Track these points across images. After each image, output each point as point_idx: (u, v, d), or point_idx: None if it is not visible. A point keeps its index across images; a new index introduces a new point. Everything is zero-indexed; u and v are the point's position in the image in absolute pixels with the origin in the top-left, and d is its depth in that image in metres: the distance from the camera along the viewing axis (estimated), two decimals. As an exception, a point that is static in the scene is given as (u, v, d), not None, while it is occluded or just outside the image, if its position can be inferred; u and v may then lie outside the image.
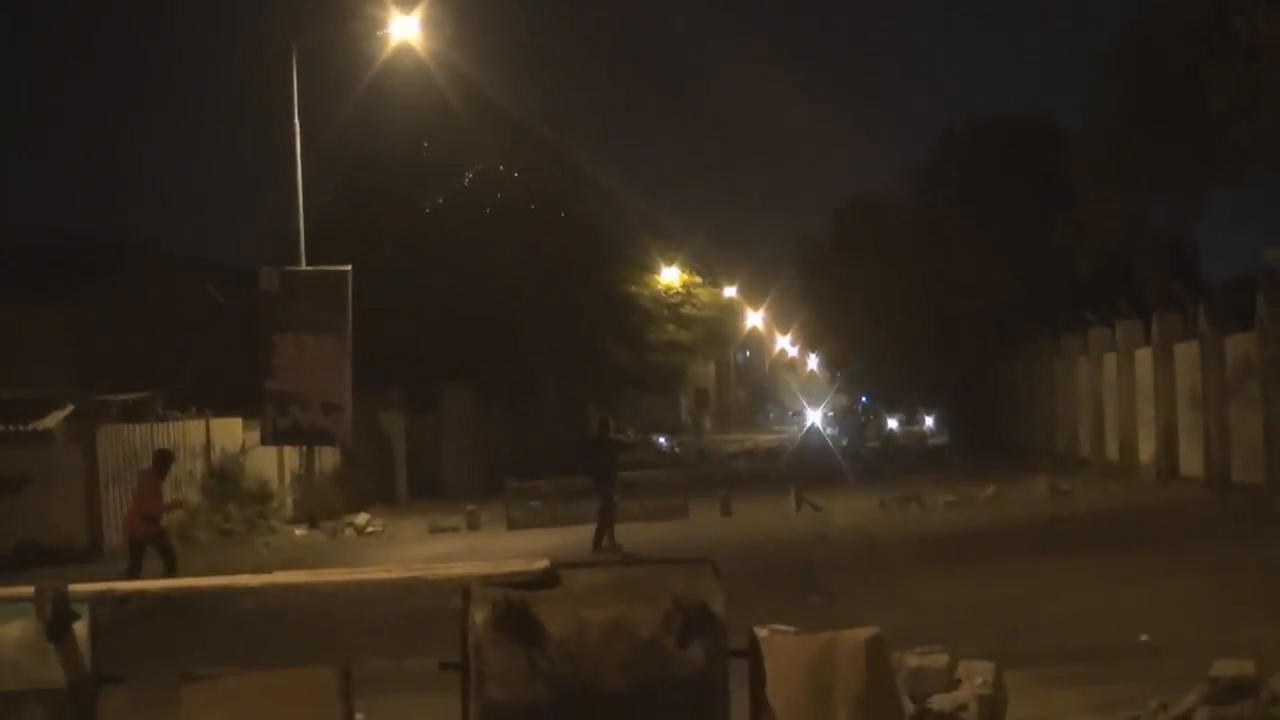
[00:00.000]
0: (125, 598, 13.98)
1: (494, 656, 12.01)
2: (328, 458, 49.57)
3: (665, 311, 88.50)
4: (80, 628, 12.47)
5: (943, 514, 37.96)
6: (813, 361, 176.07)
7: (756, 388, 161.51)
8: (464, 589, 12.87)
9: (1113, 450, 48.83)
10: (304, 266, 43.99)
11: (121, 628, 13.08)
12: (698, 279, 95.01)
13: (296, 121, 44.90)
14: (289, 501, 46.85)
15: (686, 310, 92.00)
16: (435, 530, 42.71)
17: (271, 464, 46.76)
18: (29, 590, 12.64)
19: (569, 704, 11.92)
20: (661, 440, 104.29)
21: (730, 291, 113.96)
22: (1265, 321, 32.01)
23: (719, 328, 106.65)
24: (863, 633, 12.30)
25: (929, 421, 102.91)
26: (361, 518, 46.06)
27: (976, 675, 13.30)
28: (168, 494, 33.32)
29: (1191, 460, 39.67)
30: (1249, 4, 28.06)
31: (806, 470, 62.75)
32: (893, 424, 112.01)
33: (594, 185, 77.80)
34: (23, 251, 56.84)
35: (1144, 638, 17.15)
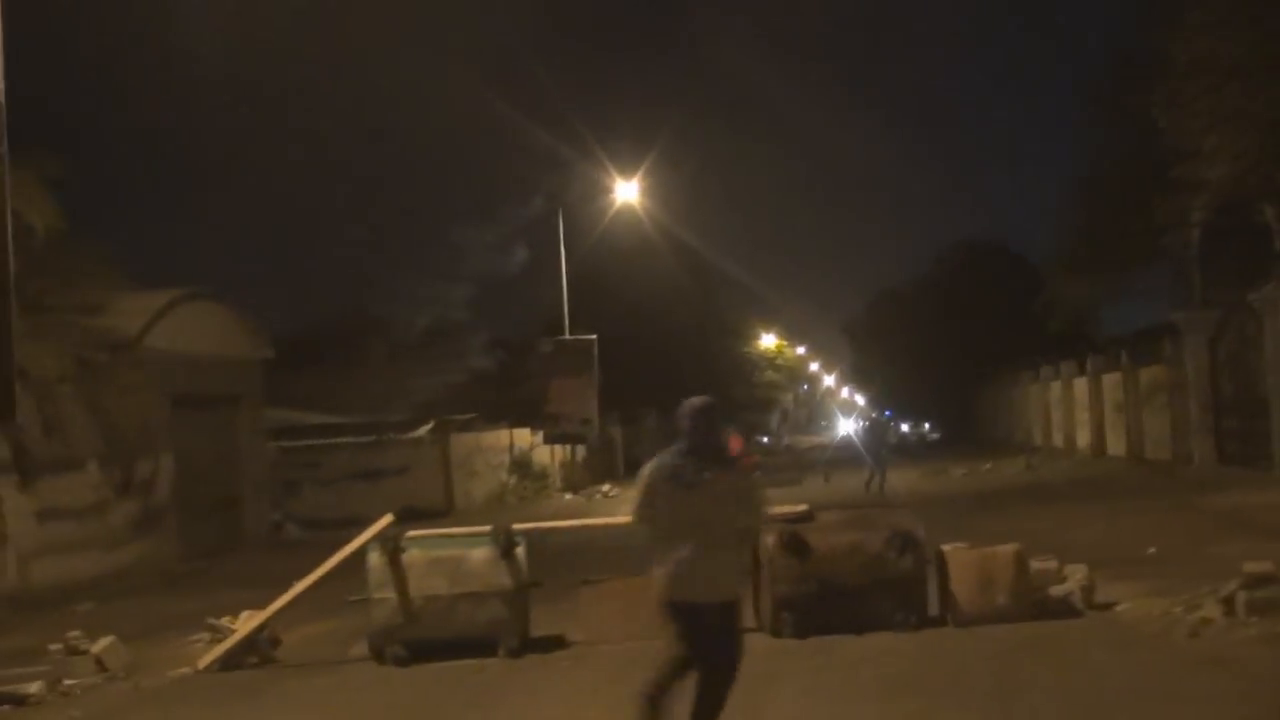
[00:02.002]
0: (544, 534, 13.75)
1: (781, 565, 12.44)
2: (579, 452, 49.51)
3: (765, 363, 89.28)
4: (520, 552, 12.18)
5: (962, 480, 37.06)
6: (846, 392, 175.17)
7: (812, 408, 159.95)
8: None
9: (1059, 440, 48.31)
10: (566, 337, 44.16)
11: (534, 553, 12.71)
12: (784, 342, 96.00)
13: (562, 248, 45.25)
14: (558, 478, 46.67)
15: (778, 362, 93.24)
16: (651, 494, 42.14)
17: (546, 456, 46.88)
18: (487, 528, 12.67)
19: (827, 593, 12.20)
20: (765, 440, 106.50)
21: (801, 350, 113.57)
22: (1170, 358, 31.42)
23: (794, 372, 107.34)
24: (1010, 547, 12.76)
25: (928, 426, 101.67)
26: (605, 486, 46.10)
27: (1076, 573, 13.11)
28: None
29: (1115, 445, 39.10)
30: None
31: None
32: (904, 428, 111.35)
33: (728, 277, 78.58)
34: (365, 330, 57.97)
35: (1151, 550, 16.46)
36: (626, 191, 48.33)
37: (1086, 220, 35.35)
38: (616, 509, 37.40)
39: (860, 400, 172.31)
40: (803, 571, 12.35)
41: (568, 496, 43.86)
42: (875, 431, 39.20)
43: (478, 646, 12.36)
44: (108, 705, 11.62)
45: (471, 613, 12.46)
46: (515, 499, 42.10)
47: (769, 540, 12.53)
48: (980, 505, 26.73)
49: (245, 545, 27.62)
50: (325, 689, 11.69)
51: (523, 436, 45.80)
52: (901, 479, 37.05)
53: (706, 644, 7.90)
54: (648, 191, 51.15)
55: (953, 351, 70.14)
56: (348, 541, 13.27)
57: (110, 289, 22.89)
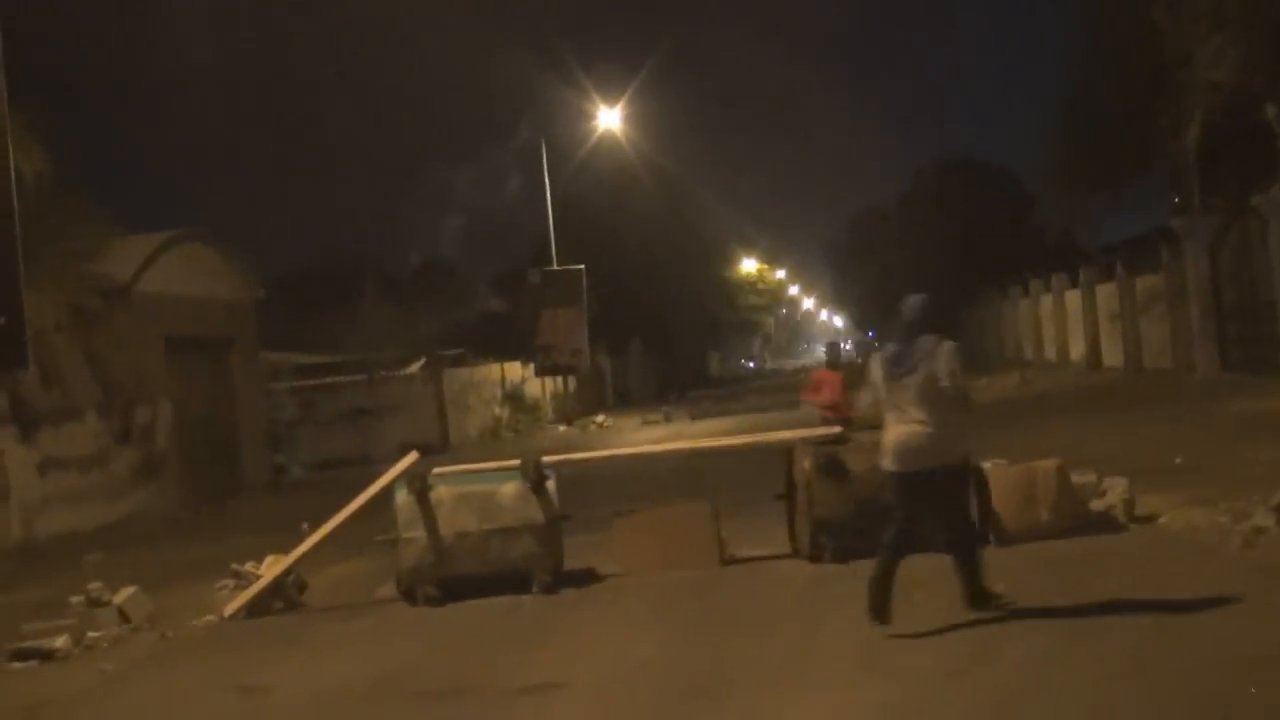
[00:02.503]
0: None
1: (819, 488, 12.17)
2: (561, 383, 49.25)
3: (747, 287, 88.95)
4: (550, 485, 11.85)
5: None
6: (824, 314, 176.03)
7: (791, 331, 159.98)
8: (788, 448, 12.46)
9: (1051, 353, 48.02)
10: (554, 267, 43.75)
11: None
12: (766, 265, 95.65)
13: (547, 180, 44.98)
14: (550, 411, 46.42)
15: (760, 286, 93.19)
16: (645, 423, 42.04)
17: (537, 388, 46.65)
18: (516, 462, 12.33)
19: (866, 515, 11.61)
20: (751, 364, 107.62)
21: (781, 273, 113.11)
22: (1169, 266, 31.09)
23: (775, 296, 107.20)
24: (1051, 462, 12.50)
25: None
26: (600, 417, 45.91)
27: (1117, 486, 12.75)
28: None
29: (1111, 356, 38.86)
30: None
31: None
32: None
33: (707, 203, 78.31)
34: (353, 270, 57.13)
35: (1177, 460, 16.10)
36: (609, 119, 48.18)
37: (1076, 130, 34.85)
38: (613, 439, 37.28)
39: (839, 322, 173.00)
40: (841, 494, 12.04)
41: (561, 428, 43.71)
42: (858, 351, 39.20)
43: (510, 583, 12.09)
44: (137, 657, 11.30)
45: (504, 549, 12.16)
46: (510, 433, 41.86)
47: (805, 464, 12.25)
48: (986, 421, 26.45)
49: (246, 489, 27.30)
50: (361, 633, 11.37)
51: (513, 370, 45.59)
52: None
53: (940, 507, 9.43)
54: (630, 119, 50.97)
55: (936, 268, 69.60)
56: (351, 482, 12.99)
57: (101, 235, 22.45)
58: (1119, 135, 32.28)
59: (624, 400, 57.51)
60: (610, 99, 48.00)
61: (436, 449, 36.13)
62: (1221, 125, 27.17)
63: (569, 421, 45.42)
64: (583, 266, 43.50)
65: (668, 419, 42.06)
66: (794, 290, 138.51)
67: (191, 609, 13.11)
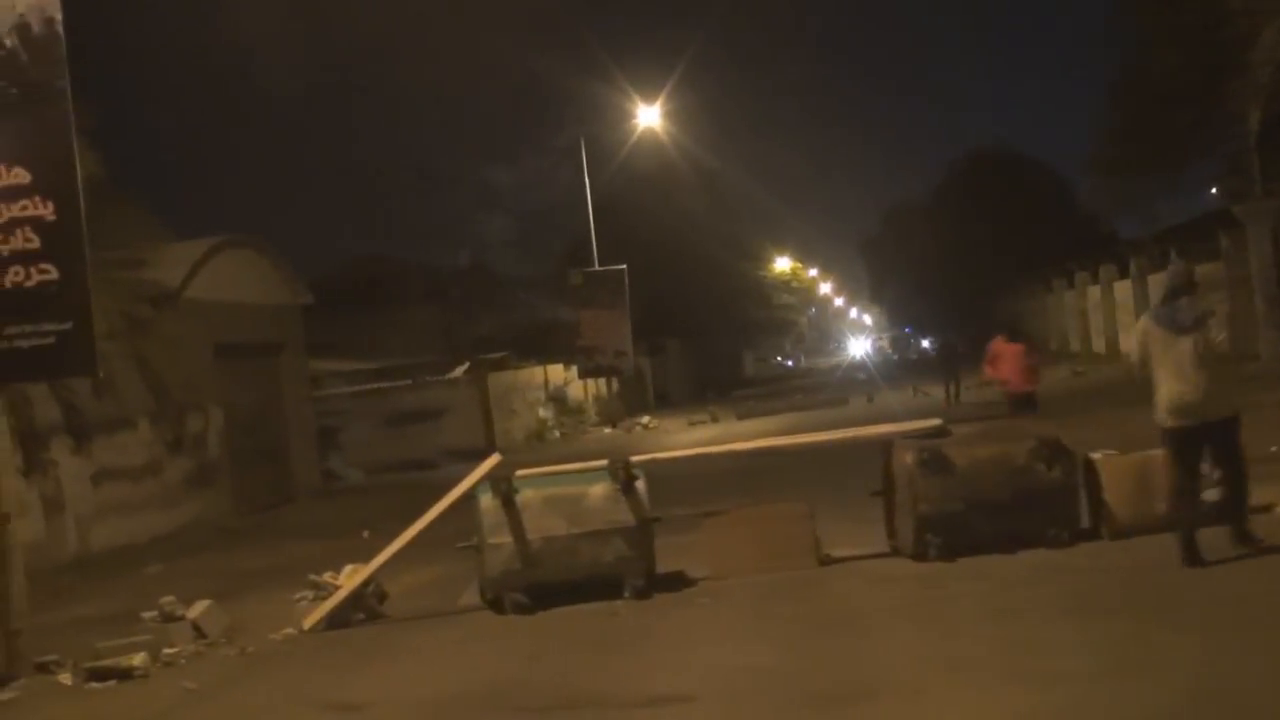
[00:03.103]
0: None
1: (923, 484, 11.63)
2: (603, 385, 48.77)
3: (781, 286, 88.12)
4: (640, 485, 11.33)
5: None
6: (854, 313, 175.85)
7: (822, 330, 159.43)
8: (885, 443, 11.95)
9: (1099, 345, 47.28)
10: (596, 268, 43.21)
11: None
12: (799, 264, 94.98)
13: (587, 179, 44.40)
14: (593, 413, 45.93)
15: (793, 285, 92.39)
16: (692, 424, 41.47)
17: (579, 390, 46.07)
18: (603, 462, 11.79)
19: (974, 511, 11.36)
20: (789, 363, 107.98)
21: (813, 272, 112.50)
22: (1229, 253, 30.46)
23: (808, 295, 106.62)
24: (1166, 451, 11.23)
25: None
26: (645, 419, 45.33)
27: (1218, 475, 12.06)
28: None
29: (1165, 347, 37.99)
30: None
31: (902, 372, 61.20)
32: (925, 344, 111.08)
33: (741, 201, 77.71)
34: (391, 275, 56.64)
35: (1273, 448, 15.41)
36: (647, 117, 47.51)
37: (1130, 114, 34.20)
38: (662, 441, 36.75)
39: (868, 320, 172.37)
40: (946, 489, 11.54)
41: (606, 430, 43.21)
42: (946, 346, 39.05)
43: (600, 589, 11.60)
44: (220, 674, 10.81)
45: (594, 553, 11.67)
46: (555, 436, 41.37)
47: (907, 459, 11.73)
48: (1055, 411, 25.88)
49: (297, 496, 26.90)
50: (452, 643, 10.87)
51: (556, 372, 45.11)
52: (942, 393, 36.27)
53: (1217, 452, 10.41)
54: (667, 117, 50.36)
55: (973, 262, 69.09)
56: (398, 487, 12.56)
57: (150, 240, 22.02)
58: (1174, 119, 31.67)
59: (663, 401, 56.96)
60: (647, 97, 47.45)
61: (482, 453, 35.67)
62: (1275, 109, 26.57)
63: (613, 423, 44.90)
64: (624, 267, 42.88)
65: (714, 419, 41.54)
66: (825, 289, 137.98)
67: (267, 621, 12.64)
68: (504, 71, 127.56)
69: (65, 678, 11.18)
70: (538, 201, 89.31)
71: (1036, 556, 11.18)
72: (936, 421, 12.35)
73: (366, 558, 13.46)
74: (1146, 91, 32.46)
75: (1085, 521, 11.76)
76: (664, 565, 12.29)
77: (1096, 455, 11.89)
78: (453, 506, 12.42)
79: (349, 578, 12.56)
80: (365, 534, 20.19)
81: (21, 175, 11.20)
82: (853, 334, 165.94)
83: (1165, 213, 40.88)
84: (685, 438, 35.86)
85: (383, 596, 12.62)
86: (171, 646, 11.69)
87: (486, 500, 11.82)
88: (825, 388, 57.77)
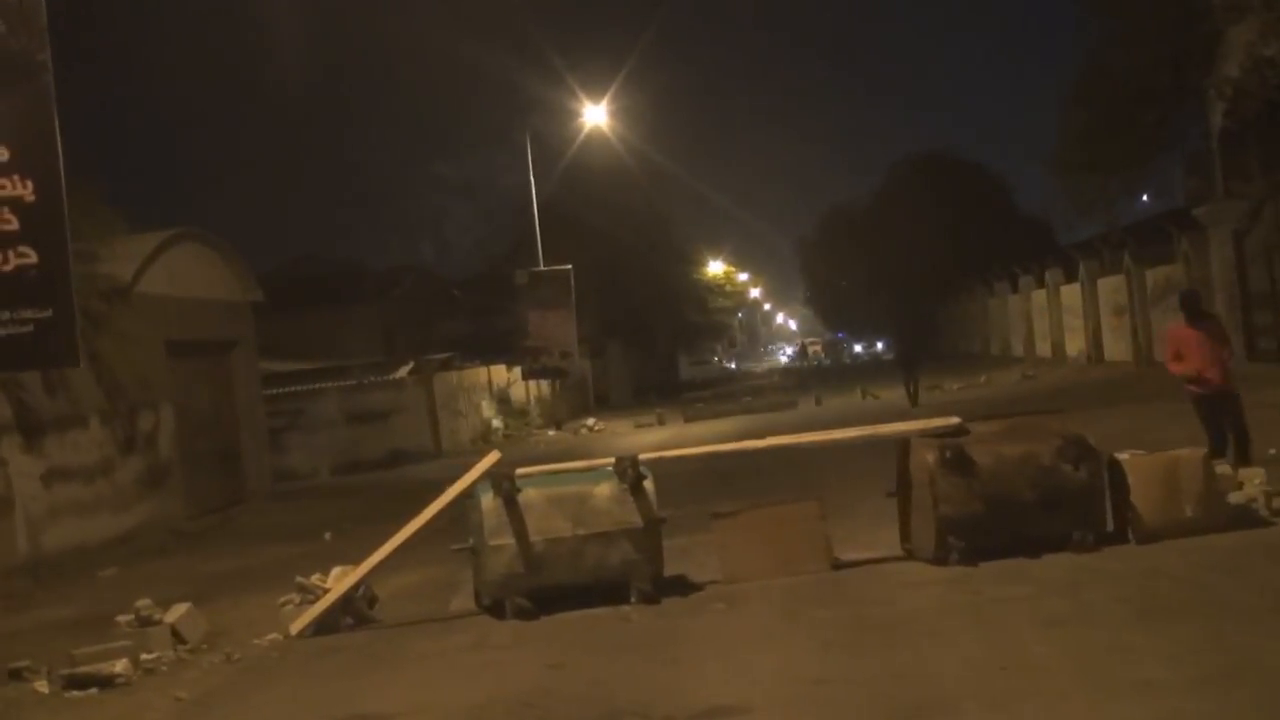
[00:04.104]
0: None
1: (944, 485, 11.20)
2: (547, 387, 48.19)
3: (715, 289, 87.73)
4: (648, 485, 10.84)
5: (966, 394, 35.67)
6: (781, 318, 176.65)
7: (752, 334, 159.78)
8: (902, 441, 11.47)
9: (1044, 349, 47.19)
10: (541, 268, 42.62)
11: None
12: (732, 267, 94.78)
13: (532, 179, 43.84)
14: (536, 415, 45.32)
15: (727, 288, 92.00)
16: (638, 426, 40.92)
17: (522, 392, 45.50)
18: (611, 460, 11.26)
19: (997, 513, 10.92)
20: (731, 365, 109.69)
21: (745, 276, 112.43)
22: (1189, 255, 30.30)
23: (740, 299, 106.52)
24: (1197, 452, 11.55)
25: (880, 346, 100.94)
26: (590, 420, 44.63)
27: (1255, 477, 11.84)
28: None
29: (1116, 350, 38.12)
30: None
31: (839, 377, 61.08)
32: (857, 349, 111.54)
33: (680, 204, 77.74)
34: (332, 274, 55.86)
35: (1271, 451, 14.95)
36: (594, 116, 47.02)
37: (1089, 118, 33.94)
38: (610, 444, 36.14)
39: (793, 326, 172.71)
40: (968, 490, 11.07)
41: (551, 432, 42.62)
42: (905, 346, 38.90)
43: (602, 593, 11.07)
44: (211, 683, 10.15)
45: (601, 555, 11.12)
46: (501, 438, 40.74)
47: (928, 458, 11.24)
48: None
49: (249, 498, 26.11)
50: (461, 650, 10.24)
51: (500, 373, 44.50)
52: (900, 395, 35.98)
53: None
54: (614, 116, 49.79)
55: (912, 266, 68.80)
56: (353, 488, 11.95)
57: (103, 233, 21.25)
58: (1138, 119, 31.46)
59: (603, 404, 56.43)
60: (595, 97, 46.97)
61: (429, 455, 35.12)
62: (1244, 110, 26.28)
63: (558, 425, 44.38)
64: (570, 267, 42.31)
65: (661, 422, 41.02)
66: (755, 293, 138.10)
67: (248, 626, 12.04)
68: (452, 70, 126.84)
69: (41, 685, 10.56)
70: (484, 200, 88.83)
71: (1064, 560, 10.74)
72: (955, 419, 11.85)
73: (332, 560, 12.92)
74: (1111, 91, 32.20)
75: (1109, 525, 11.34)
76: (676, 567, 11.80)
77: (1124, 456, 11.44)
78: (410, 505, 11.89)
79: (338, 580, 11.94)
80: (327, 536, 19.62)
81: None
82: (781, 339, 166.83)
83: (1123, 214, 40.76)
84: (635, 440, 35.24)
85: (372, 600, 12.02)
86: (150, 653, 11.06)
87: (488, 500, 11.23)
88: (766, 390, 57.42)
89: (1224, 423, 13.35)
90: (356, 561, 12.09)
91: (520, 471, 11.64)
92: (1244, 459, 12.94)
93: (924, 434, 11.66)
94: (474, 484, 11.56)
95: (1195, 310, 13.91)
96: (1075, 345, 43.25)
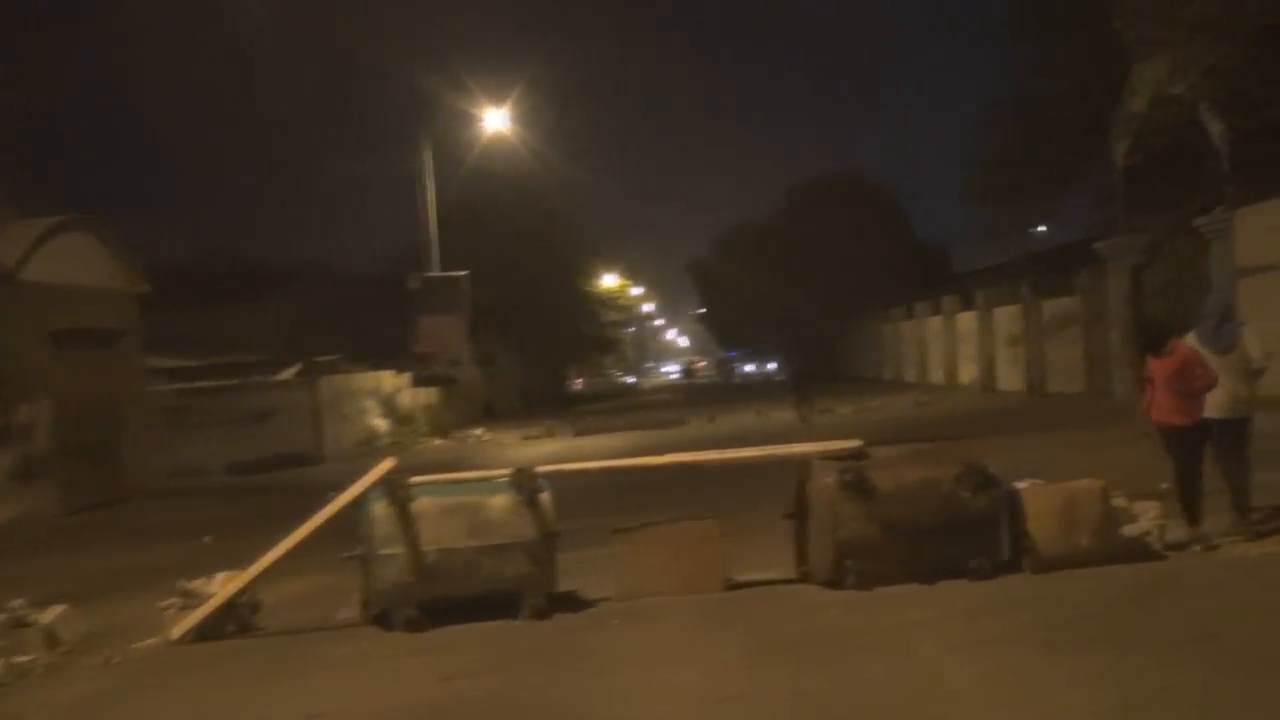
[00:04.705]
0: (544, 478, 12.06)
1: (844, 507, 11.16)
2: (434, 395, 47.81)
3: (609, 302, 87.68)
4: (545, 498, 10.75)
5: (858, 418, 35.69)
6: (670, 334, 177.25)
7: (641, 349, 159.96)
8: (802, 462, 11.46)
9: (937, 376, 47.73)
10: (435, 273, 42.38)
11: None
12: (625, 281, 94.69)
13: (431, 183, 43.52)
14: (423, 422, 44.94)
15: (620, 301, 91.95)
16: (526, 438, 40.63)
17: (408, 399, 45.07)
18: (508, 471, 11.13)
19: (896, 538, 10.95)
20: (630, 379, 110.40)
21: (637, 290, 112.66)
22: (1087, 287, 30.78)
23: (631, 313, 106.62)
24: (1094, 482, 11.67)
25: (772, 366, 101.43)
26: (477, 430, 44.39)
27: (1149, 510, 11.92)
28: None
29: (1008, 379, 38.74)
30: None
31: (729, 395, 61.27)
32: (748, 368, 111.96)
33: (574, 214, 77.51)
34: (231, 270, 55.04)
35: (1163, 485, 15.02)
36: (494, 121, 46.88)
37: (1001, 147, 34.36)
38: (498, 455, 35.85)
39: (684, 343, 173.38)
40: (868, 514, 11.07)
41: (437, 441, 42.32)
42: (797, 366, 39.29)
43: (495, 606, 10.92)
44: (93, 688, 9.85)
45: (496, 568, 10.97)
46: (386, 445, 40.36)
47: (828, 480, 11.22)
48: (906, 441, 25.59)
49: (130, 496, 25.63)
50: (357, 659, 10.01)
51: (388, 379, 44.07)
52: (783, 417, 36.13)
53: (1221, 448, 11.95)
54: (515, 121, 49.74)
55: (805, 288, 69.20)
56: (232, 490, 11.73)
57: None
58: (1051, 150, 31.91)
59: (489, 414, 56.10)
60: (497, 102, 46.85)
61: (312, 459, 34.69)
62: (1154, 145, 26.69)
63: (444, 434, 44.04)
64: (466, 273, 42.12)
65: (550, 434, 40.88)
66: (648, 308, 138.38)
67: (126, 630, 11.74)
68: (353, 73, 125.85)
69: (-99, 686, 10.24)
70: (379, 202, 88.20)
71: (961, 587, 10.77)
72: (856, 442, 11.87)
73: (214, 564, 12.65)
74: (1028, 121, 32.61)
75: (1005, 553, 11.36)
76: (570, 583, 11.66)
77: (1022, 484, 11.52)
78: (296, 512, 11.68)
79: (223, 585, 11.70)
80: (207, 539, 19.27)
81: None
82: (669, 356, 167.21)
83: (1024, 245, 41.35)
84: (524, 453, 35.09)
85: (256, 607, 11.80)
86: (23, 655, 10.78)
87: (380, 508, 11.06)
88: (656, 407, 57.35)
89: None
90: (239, 565, 11.87)
91: (415, 480, 11.48)
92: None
93: (825, 456, 11.67)
94: (366, 490, 11.39)
95: (1158, 336, 13.22)
96: (969, 373, 43.75)
